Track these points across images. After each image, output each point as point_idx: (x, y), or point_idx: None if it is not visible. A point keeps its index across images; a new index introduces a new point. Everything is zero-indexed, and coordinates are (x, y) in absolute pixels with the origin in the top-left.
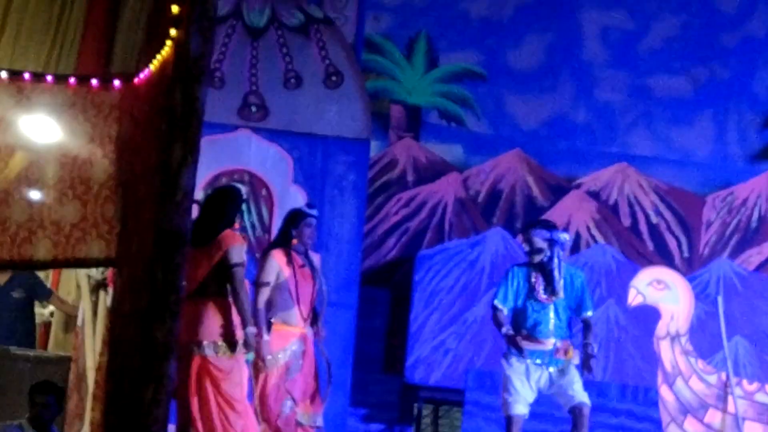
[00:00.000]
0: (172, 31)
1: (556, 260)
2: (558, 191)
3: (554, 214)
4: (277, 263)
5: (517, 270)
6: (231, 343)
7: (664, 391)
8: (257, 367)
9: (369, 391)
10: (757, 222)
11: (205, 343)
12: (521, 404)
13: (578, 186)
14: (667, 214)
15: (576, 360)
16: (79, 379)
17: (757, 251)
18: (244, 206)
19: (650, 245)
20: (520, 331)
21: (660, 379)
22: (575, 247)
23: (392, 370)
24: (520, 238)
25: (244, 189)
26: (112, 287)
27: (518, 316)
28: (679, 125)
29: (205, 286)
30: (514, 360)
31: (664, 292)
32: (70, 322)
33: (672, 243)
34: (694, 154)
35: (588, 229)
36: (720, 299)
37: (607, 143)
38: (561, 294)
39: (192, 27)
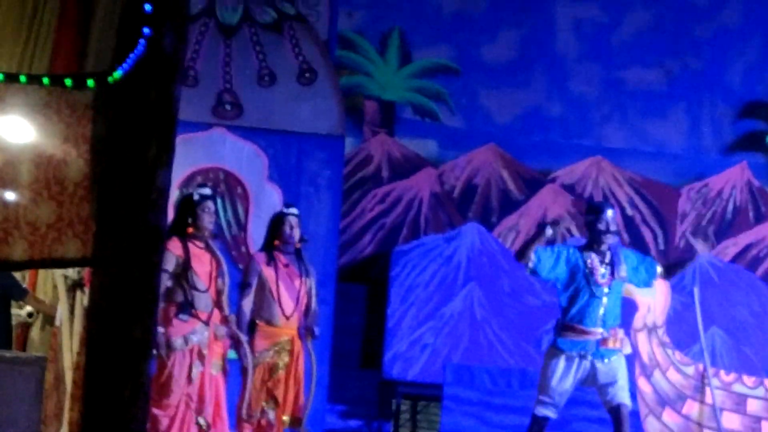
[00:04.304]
0: (146, 30)
1: (617, 239)
2: (533, 185)
3: (530, 208)
4: (258, 265)
5: (573, 251)
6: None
7: (642, 383)
8: (243, 368)
9: (347, 387)
10: (732, 213)
11: None
12: (551, 409)
13: (553, 179)
14: (642, 207)
15: (627, 350)
16: (57, 380)
17: (732, 242)
18: (219, 204)
19: (626, 237)
20: (564, 321)
21: (637, 371)
22: (551, 240)
23: (370, 366)
24: (586, 220)
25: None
26: (89, 287)
27: (565, 304)
28: (653, 117)
29: None
30: (553, 355)
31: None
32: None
33: (648, 235)
34: (668, 146)
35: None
36: (696, 291)
37: (582, 136)
38: (624, 274)
39: (165, 25)
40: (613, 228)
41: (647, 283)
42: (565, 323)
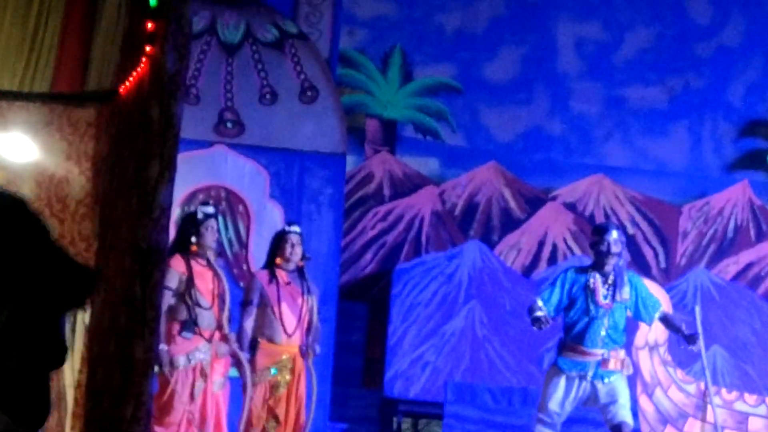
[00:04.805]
0: (148, 48)
1: (622, 262)
2: (534, 203)
3: (531, 226)
4: (260, 283)
5: (572, 274)
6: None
7: (644, 402)
8: (244, 386)
9: (348, 406)
10: (734, 231)
11: None
12: (550, 429)
13: (554, 198)
14: (644, 225)
15: (628, 371)
16: (59, 397)
17: (733, 261)
18: (221, 222)
19: (627, 256)
20: (566, 341)
21: (639, 389)
22: (553, 259)
23: (371, 384)
24: (591, 240)
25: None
26: (91, 304)
27: (567, 324)
28: (654, 136)
29: None
30: (554, 374)
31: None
32: None
33: (649, 253)
34: (669, 164)
35: (565, 240)
36: (698, 309)
37: (583, 155)
38: (627, 296)
39: (167, 44)
40: (614, 249)
41: (645, 320)
42: (567, 343)
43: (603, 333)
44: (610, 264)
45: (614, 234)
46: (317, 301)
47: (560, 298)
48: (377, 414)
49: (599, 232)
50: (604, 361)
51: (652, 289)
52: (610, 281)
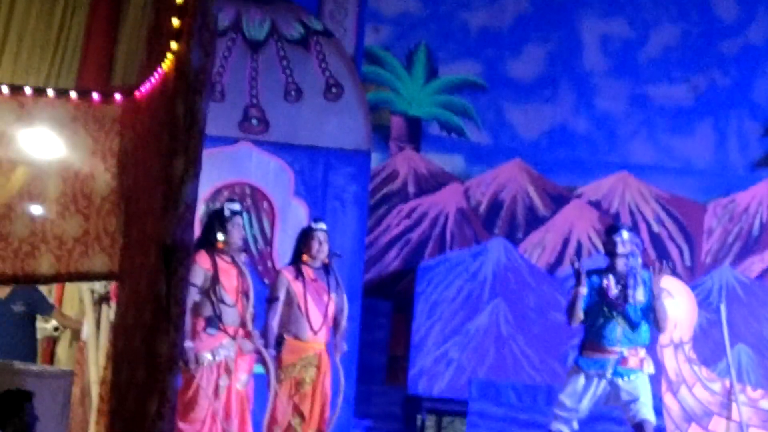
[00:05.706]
0: (173, 45)
1: (634, 261)
2: (559, 201)
3: (555, 224)
4: (286, 279)
5: (587, 282)
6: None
7: (668, 399)
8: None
9: (372, 403)
10: (759, 229)
11: None
12: (565, 425)
13: (579, 195)
14: (669, 223)
15: (649, 369)
16: (83, 394)
17: (759, 259)
18: (246, 219)
19: (652, 254)
20: (585, 340)
21: (664, 387)
22: (577, 257)
23: (395, 382)
24: (603, 240)
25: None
26: (115, 301)
27: (586, 325)
28: (679, 133)
29: None
30: (574, 373)
31: (666, 300)
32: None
33: (674, 251)
34: (694, 162)
35: (589, 238)
36: (723, 307)
37: (608, 152)
38: (641, 298)
39: (192, 40)
40: (621, 250)
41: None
42: (586, 342)
43: (619, 333)
44: (621, 264)
45: (624, 234)
46: (346, 299)
47: (586, 300)
48: (401, 411)
49: (608, 232)
50: (623, 360)
51: (676, 287)
52: (623, 282)
